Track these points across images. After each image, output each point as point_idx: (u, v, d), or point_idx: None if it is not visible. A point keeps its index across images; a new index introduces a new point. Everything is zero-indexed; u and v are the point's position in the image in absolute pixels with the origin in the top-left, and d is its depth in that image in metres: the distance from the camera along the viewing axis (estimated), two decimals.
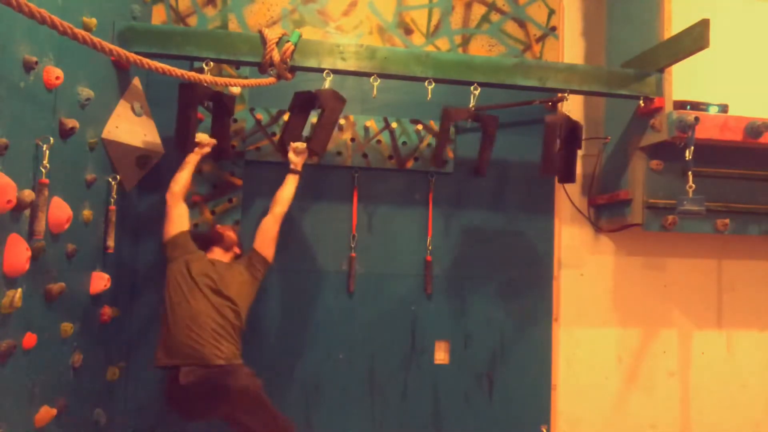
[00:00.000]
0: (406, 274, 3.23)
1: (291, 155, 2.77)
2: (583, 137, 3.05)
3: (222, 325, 2.50)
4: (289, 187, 2.76)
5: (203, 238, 2.76)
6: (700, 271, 3.55)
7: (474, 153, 3.07)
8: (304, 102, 2.74)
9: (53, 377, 2.11)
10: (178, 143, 2.65)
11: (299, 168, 2.78)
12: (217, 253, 2.73)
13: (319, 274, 3.16)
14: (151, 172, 2.87)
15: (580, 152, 3.00)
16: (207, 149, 2.75)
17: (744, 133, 2.90)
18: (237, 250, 2.81)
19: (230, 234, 2.80)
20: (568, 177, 2.91)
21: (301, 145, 2.76)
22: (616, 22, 3.37)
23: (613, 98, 3.11)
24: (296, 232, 3.14)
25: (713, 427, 3.51)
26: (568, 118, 2.85)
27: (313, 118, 3.07)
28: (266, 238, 2.74)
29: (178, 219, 2.66)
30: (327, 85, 2.69)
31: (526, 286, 3.33)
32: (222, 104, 2.75)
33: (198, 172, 3.03)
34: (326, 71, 2.71)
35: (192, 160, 2.71)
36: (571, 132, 2.86)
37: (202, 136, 2.73)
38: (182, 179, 2.68)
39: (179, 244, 2.63)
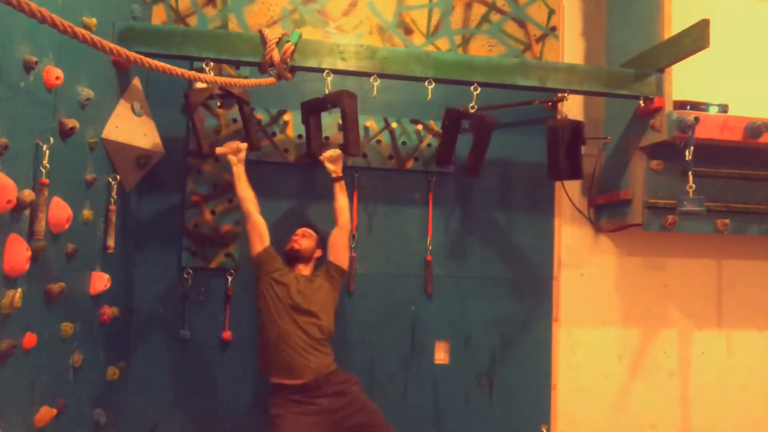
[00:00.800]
0: (406, 274, 3.23)
1: (328, 165, 2.78)
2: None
3: (308, 342, 2.62)
4: (341, 196, 2.80)
5: (286, 255, 2.80)
6: (700, 271, 3.55)
7: None
8: (314, 108, 2.75)
9: (53, 377, 2.11)
10: (194, 150, 2.70)
11: (341, 173, 2.81)
12: (301, 267, 2.80)
13: None
14: (151, 172, 2.87)
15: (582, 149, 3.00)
16: (242, 154, 2.72)
17: (744, 133, 2.90)
18: (318, 252, 2.86)
19: (307, 246, 2.81)
20: (575, 173, 2.91)
21: (335, 152, 2.78)
22: (616, 22, 3.37)
23: (613, 98, 3.11)
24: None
25: (713, 427, 3.51)
26: (568, 120, 2.85)
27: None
28: (338, 249, 2.82)
29: (256, 236, 2.71)
30: (327, 85, 2.69)
31: (526, 286, 3.33)
32: (234, 97, 2.70)
33: (198, 172, 3.05)
34: (326, 71, 2.71)
35: (237, 172, 2.70)
36: (574, 131, 2.86)
37: (228, 145, 2.70)
38: (242, 194, 2.69)
39: (263, 261, 2.71)
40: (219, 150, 2.70)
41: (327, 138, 3.13)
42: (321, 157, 2.79)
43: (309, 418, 2.56)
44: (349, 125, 2.70)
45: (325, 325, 2.69)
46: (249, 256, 2.77)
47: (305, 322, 2.64)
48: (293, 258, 2.80)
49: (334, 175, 2.80)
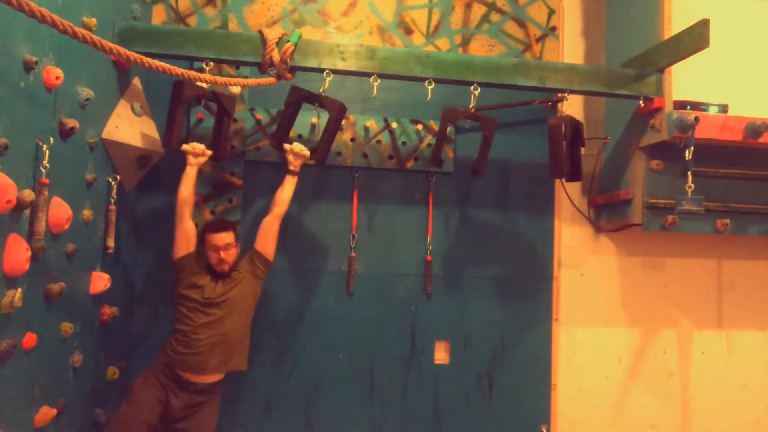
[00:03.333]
0: (406, 274, 3.23)
1: (290, 157, 2.76)
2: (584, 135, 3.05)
3: (218, 338, 2.58)
4: (288, 188, 2.76)
5: (209, 268, 2.73)
6: (700, 271, 3.55)
7: (475, 153, 3.07)
8: (302, 100, 2.74)
9: (53, 377, 2.11)
10: (163, 138, 2.68)
11: (298, 169, 2.78)
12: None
13: (319, 274, 3.16)
14: (151, 172, 2.87)
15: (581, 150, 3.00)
16: (202, 159, 2.71)
17: (744, 133, 2.90)
18: (233, 257, 2.72)
19: (233, 259, 2.71)
20: (575, 175, 2.91)
21: (304, 151, 2.76)
22: (616, 22, 3.37)
23: (613, 98, 3.11)
24: (296, 232, 3.14)
25: (713, 427, 3.51)
26: (570, 119, 2.85)
27: (313, 118, 3.09)
28: (267, 237, 2.75)
29: (184, 241, 2.69)
30: (327, 85, 2.69)
31: (526, 286, 3.33)
32: (220, 104, 2.74)
33: (198, 172, 3.04)
34: (326, 71, 2.71)
35: (189, 172, 2.69)
36: (574, 131, 2.86)
37: (193, 145, 2.68)
38: (183, 195, 2.67)
39: (184, 266, 2.69)
40: (184, 146, 2.68)
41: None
42: (288, 148, 2.75)
43: (158, 395, 2.56)
44: (329, 135, 2.72)
45: (242, 319, 2.67)
46: (170, 260, 2.72)
47: (216, 318, 2.59)
48: (218, 273, 2.70)
49: (292, 168, 2.76)
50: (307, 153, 2.76)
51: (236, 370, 2.69)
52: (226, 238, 2.67)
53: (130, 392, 2.57)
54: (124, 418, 2.49)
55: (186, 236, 2.69)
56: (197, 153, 2.69)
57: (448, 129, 3.07)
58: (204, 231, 2.72)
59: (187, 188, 2.67)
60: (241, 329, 2.68)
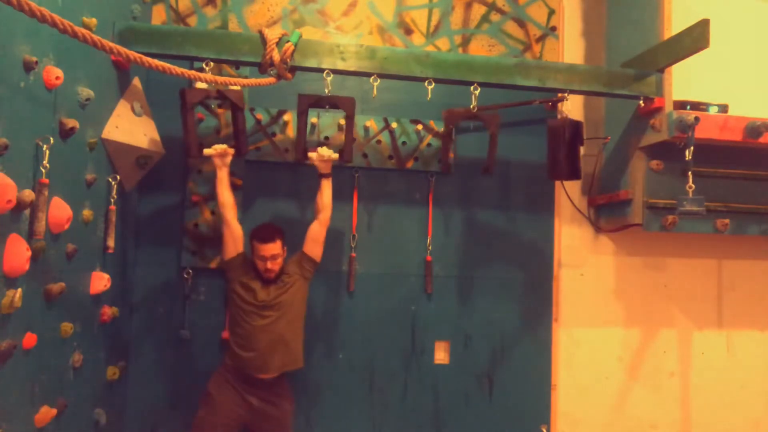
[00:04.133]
0: (406, 274, 3.23)
1: (319, 163, 2.75)
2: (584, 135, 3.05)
3: (274, 339, 2.66)
4: (326, 192, 2.78)
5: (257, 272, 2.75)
6: (700, 271, 3.55)
7: (475, 153, 3.07)
8: (312, 105, 2.74)
9: (53, 377, 2.11)
10: (185, 150, 2.69)
11: (329, 171, 2.78)
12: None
13: (319, 274, 3.15)
14: (151, 172, 2.87)
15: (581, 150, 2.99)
16: (228, 158, 2.70)
17: (744, 133, 2.90)
18: (284, 253, 2.76)
19: (278, 268, 2.71)
20: (574, 174, 2.91)
21: (332, 155, 2.74)
22: (616, 22, 3.37)
23: (613, 98, 3.11)
24: (296, 232, 3.13)
25: (713, 427, 3.51)
26: (569, 120, 2.85)
27: (313, 118, 3.09)
28: (315, 243, 2.81)
29: (232, 242, 2.71)
30: (327, 85, 2.69)
31: (526, 286, 3.33)
32: (229, 101, 2.72)
33: (198, 172, 3.05)
34: (326, 71, 2.71)
35: (220, 176, 2.69)
36: (573, 131, 2.86)
37: (215, 148, 2.67)
38: (222, 200, 2.68)
39: (234, 267, 2.72)
40: (206, 151, 2.68)
41: (327, 138, 3.13)
42: (315, 155, 2.74)
43: (233, 397, 2.67)
44: (350, 131, 2.72)
45: (295, 319, 2.74)
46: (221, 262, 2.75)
47: (272, 320, 2.66)
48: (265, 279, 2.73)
49: (323, 172, 2.77)
50: (335, 155, 2.76)
51: (296, 368, 2.78)
52: (273, 249, 2.67)
53: (206, 397, 2.70)
54: (201, 423, 2.64)
55: (233, 238, 2.71)
56: (221, 154, 2.68)
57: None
58: (252, 237, 2.73)
59: (224, 192, 2.69)
60: (296, 329, 2.76)
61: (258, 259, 2.69)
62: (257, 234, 2.71)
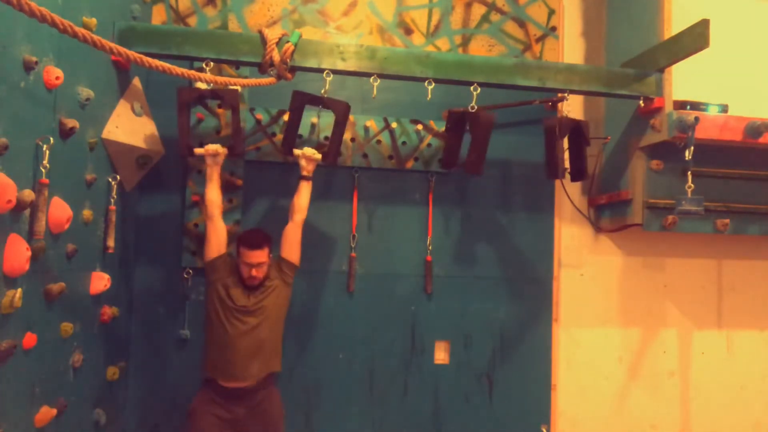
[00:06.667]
0: (406, 274, 3.23)
1: (303, 162, 2.74)
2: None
3: (255, 345, 2.61)
4: (304, 194, 2.75)
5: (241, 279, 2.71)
6: (700, 271, 3.55)
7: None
8: (306, 103, 2.74)
9: (53, 377, 2.11)
10: (178, 148, 2.68)
11: (311, 174, 2.76)
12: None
13: (319, 274, 3.16)
14: (151, 172, 2.87)
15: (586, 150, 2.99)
16: (219, 158, 2.67)
17: (744, 133, 2.90)
18: (264, 272, 2.69)
19: (263, 274, 2.68)
20: (579, 175, 2.90)
21: (316, 155, 2.73)
22: (616, 22, 3.37)
23: (613, 98, 3.11)
24: None
25: (713, 427, 3.51)
26: (567, 118, 2.84)
27: (313, 118, 3.09)
28: (291, 245, 2.75)
29: (216, 241, 2.67)
30: (327, 85, 2.69)
31: (526, 286, 3.33)
32: (225, 101, 2.72)
33: (198, 172, 3.04)
34: (326, 71, 2.71)
35: (210, 174, 2.67)
36: (576, 130, 2.86)
37: (206, 147, 2.66)
38: (210, 197, 2.66)
39: (217, 268, 2.67)
40: (197, 151, 2.66)
41: (327, 138, 3.13)
42: (299, 153, 2.73)
43: (217, 412, 2.60)
44: (337, 136, 2.71)
45: (276, 324, 2.70)
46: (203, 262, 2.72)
47: (253, 326, 2.61)
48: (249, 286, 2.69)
49: (305, 173, 2.74)
50: (319, 156, 2.73)
51: (273, 372, 2.73)
52: (260, 256, 2.62)
53: (190, 418, 2.63)
54: None
55: (217, 237, 2.67)
56: (212, 153, 2.66)
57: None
58: (239, 243, 2.68)
59: (212, 190, 2.66)
60: (276, 335, 2.73)
61: (243, 265, 2.63)
62: (245, 240, 2.66)
